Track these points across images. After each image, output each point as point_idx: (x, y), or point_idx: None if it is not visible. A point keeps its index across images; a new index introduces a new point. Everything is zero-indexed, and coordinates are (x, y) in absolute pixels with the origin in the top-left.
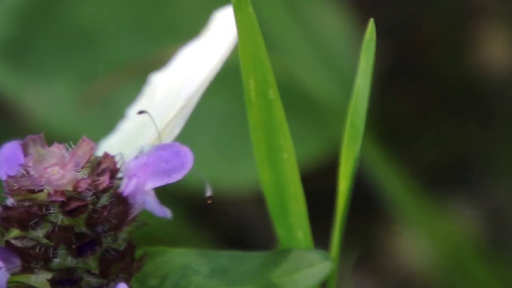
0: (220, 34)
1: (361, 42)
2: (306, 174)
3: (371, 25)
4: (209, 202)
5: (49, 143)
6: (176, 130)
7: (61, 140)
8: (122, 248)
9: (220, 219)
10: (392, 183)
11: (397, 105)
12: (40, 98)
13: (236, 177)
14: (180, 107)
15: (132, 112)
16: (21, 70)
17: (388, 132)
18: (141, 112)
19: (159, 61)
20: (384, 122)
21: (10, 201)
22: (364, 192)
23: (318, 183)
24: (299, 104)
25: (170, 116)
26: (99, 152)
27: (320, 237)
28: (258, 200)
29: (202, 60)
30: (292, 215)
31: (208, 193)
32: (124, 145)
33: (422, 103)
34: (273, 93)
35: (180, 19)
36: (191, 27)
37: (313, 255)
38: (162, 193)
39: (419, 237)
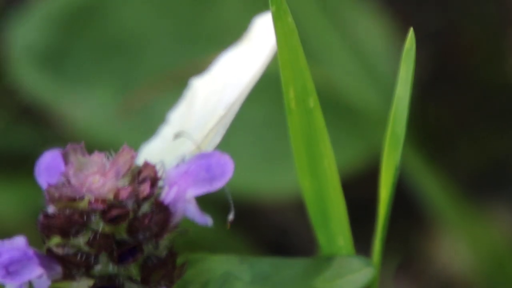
0: (261, 41)
1: (401, 50)
2: (346, 181)
3: (410, 34)
4: (228, 225)
5: (90, 151)
6: (217, 139)
7: (101, 149)
8: (163, 255)
9: (261, 225)
10: (433, 188)
11: (436, 112)
12: (80, 107)
13: (277, 183)
14: (220, 116)
15: (172, 116)
16: (60, 78)
17: (428, 138)
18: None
19: (199, 69)
20: (424, 129)
21: (51, 209)
22: (404, 198)
23: (358, 190)
24: (339, 112)
25: (211, 125)
26: (140, 157)
27: (361, 244)
28: (299, 206)
29: (243, 67)
30: (333, 222)
31: (231, 216)
32: (164, 151)
33: (461, 109)
34: (313, 102)
35: (220, 27)
36: (231, 35)
37: (355, 261)
38: (203, 199)
39: (460, 242)
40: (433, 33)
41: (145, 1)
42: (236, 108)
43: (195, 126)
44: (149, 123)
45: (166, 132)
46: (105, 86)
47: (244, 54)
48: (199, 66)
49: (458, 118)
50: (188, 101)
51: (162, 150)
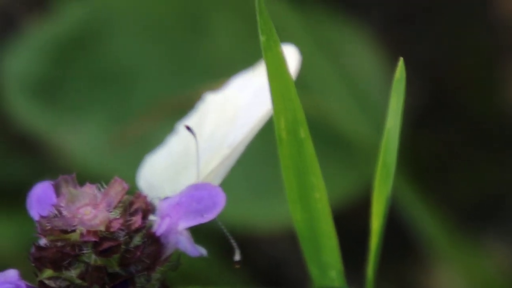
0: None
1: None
2: (338, 212)
3: (400, 64)
4: (237, 266)
5: (82, 183)
6: (217, 181)
7: (94, 180)
8: None
9: (254, 256)
10: (426, 220)
11: (429, 142)
12: (72, 137)
13: (269, 214)
14: (224, 155)
15: (181, 128)
16: (54, 108)
17: (421, 169)
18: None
19: (193, 100)
20: (416, 160)
21: (43, 242)
22: (399, 230)
23: (350, 221)
24: (331, 142)
25: (214, 163)
26: (144, 170)
27: (353, 276)
28: (292, 237)
29: (256, 101)
30: (325, 254)
31: (237, 257)
32: (168, 170)
33: (455, 140)
34: (303, 132)
35: (213, 58)
36: (225, 64)
37: None
38: (195, 231)
39: (454, 274)
40: (426, 62)
41: (139, 32)
42: (241, 148)
43: (201, 150)
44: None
45: (173, 144)
46: (98, 116)
47: (260, 86)
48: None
49: (451, 149)
50: (199, 116)
51: (165, 168)
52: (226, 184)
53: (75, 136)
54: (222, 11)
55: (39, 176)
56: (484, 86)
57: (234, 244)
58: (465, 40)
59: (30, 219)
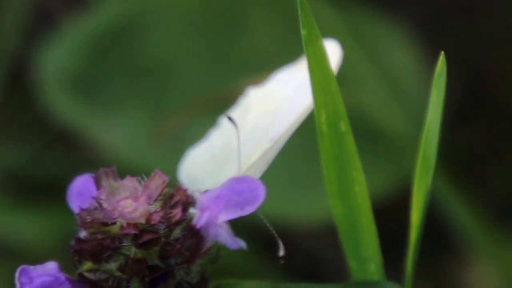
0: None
1: (432, 76)
2: (377, 206)
3: (441, 59)
4: (281, 261)
5: (121, 176)
6: (258, 174)
7: (133, 174)
8: (195, 280)
9: (292, 252)
10: (463, 215)
11: (467, 139)
12: (111, 132)
13: (308, 209)
14: (266, 149)
15: (223, 122)
16: (91, 103)
17: (458, 165)
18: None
19: (232, 95)
20: (454, 155)
21: (83, 234)
22: (435, 225)
23: (389, 216)
24: (370, 137)
25: (255, 157)
26: (185, 162)
27: (392, 270)
28: (330, 233)
29: (299, 95)
30: (364, 248)
31: (281, 252)
32: (209, 164)
33: (492, 137)
34: (344, 126)
35: (252, 52)
36: (263, 59)
37: (386, 287)
38: (233, 226)
39: (491, 269)
40: (463, 60)
41: (175, 27)
42: (282, 142)
43: (243, 145)
44: (180, 148)
45: (215, 137)
46: (136, 111)
47: (302, 81)
48: (231, 91)
49: (488, 146)
50: (241, 110)
51: (207, 161)
52: (265, 177)
53: (113, 130)
54: (260, 5)
55: (77, 171)
56: None
57: (278, 238)
58: (502, 36)
59: (69, 213)
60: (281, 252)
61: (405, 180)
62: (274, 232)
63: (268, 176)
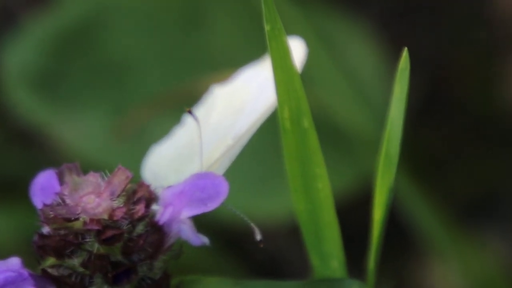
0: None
1: (394, 74)
2: (339, 205)
3: (405, 54)
4: (261, 245)
5: (84, 172)
6: (221, 171)
7: (96, 171)
8: (157, 277)
9: (255, 250)
10: (425, 214)
11: (429, 138)
12: (73, 130)
13: (269, 208)
14: (229, 146)
15: (187, 119)
16: (54, 100)
17: (420, 165)
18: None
19: (194, 92)
20: (416, 155)
21: (46, 230)
22: (396, 224)
23: (351, 215)
24: (333, 136)
25: (218, 153)
26: (149, 159)
27: (355, 268)
28: (291, 232)
29: (263, 92)
30: (326, 244)
31: (258, 236)
32: (173, 161)
33: (454, 136)
34: (307, 122)
35: (214, 49)
36: (225, 56)
37: (349, 283)
38: (196, 223)
39: (452, 268)
40: (425, 59)
41: (137, 24)
42: (246, 139)
43: (206, 142)
44: (142, 145)
45: (179, 134)
46: (99, 108)
47: (266, 78)
48: (194, 88)
49: (450, 145)
50: (206, 107)
51: (171, 159)
52: (229, 175)
53: (76, 127)
54: (221, 2)
55: (39, 169)
56: (483, 82)
57: (251, 223)
58: (464, 36)
59: (32, 209)
60: (258, 236)
61: (368, 179)
62: (246, 218)
63: (231, 174)
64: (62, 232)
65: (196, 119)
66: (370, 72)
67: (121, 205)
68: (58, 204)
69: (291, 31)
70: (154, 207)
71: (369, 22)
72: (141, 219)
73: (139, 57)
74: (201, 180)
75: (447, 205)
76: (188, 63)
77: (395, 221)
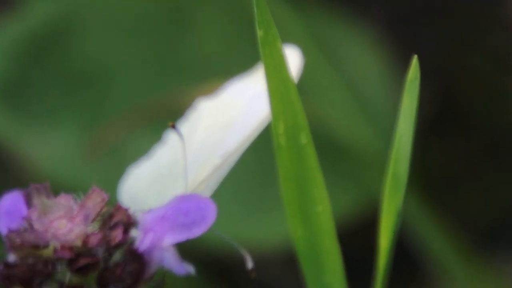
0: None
1: (400, 85)
2: (341, 230)
3: (414, 63)
4: (253, 275)
5: (55, 194)
6: (207, 193)
7: (67, 192)
8: None
9: (244, 281)
10: (436, 240)
11: (440, 155)
12: (41, 146)
13: (262, 233)
14: (216, 165)
15: (169, 137)
16: (21, 114)
17: (430, 184)
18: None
19: (177, 105)
20: (426, 174)
21: (12, 258)
22: (405, 250)
23: (354, 241)
24: (334, 154)
25: (204, 174)
26: (127, 182)
27: None
28: (286, 260)
29: (253, 107)
30: (327, 275)
31: (249, 264)
32: (152, 185)
33: (468, 151)
34: (305, 138)
35: (197, 56)
36: (212, 64)
37: None
38: (180, 251)
39: None
40: (435, 67)
41: (114, 28)
42: (234, 158)
43: (191, 161)
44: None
45: (160, 153)
46: (70, 123)
47: (258, 91)
48: (174, 100)
49: (464, 162)
50: (190, 123)
51: (151, 181)
52: (217, 199)
53: (45, 144)
54: (209, 5)
55: (4, 190)
56: (499, 90)
57: (242, 250)
58: (478, 41)
59: None
60: (250, 264)
61: (372, 202)
62: (236, 245)
63: (219, 197)
64: (30, 260)
65: (180, 135)
66: (375, 82)
67: (96, 231)
68: (26, 230)
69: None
70: (133, 233)
71: (373, 26)
72: (118, 246)
73: (116, 65)
74: (185, 203)
75: (461, 230)
76: (172, 72)
77: (403, 247)
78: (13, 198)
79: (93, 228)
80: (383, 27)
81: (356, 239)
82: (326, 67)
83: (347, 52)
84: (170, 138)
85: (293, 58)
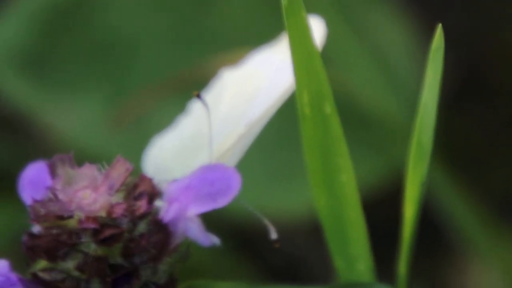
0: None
1: (425, 54)
2: (366, 199)
3: (439, 32)
4: (277, 246)
5: (79, 164)
6: (232, 163)
7: (92, 162)
8: (162, 281)
9: (269, 250)
10: (461, 210)
11: (464, 126)
12: (66, 116)
13: (287, 203)
14: (241, 134)
15: (194, 107)
16: (44, 84)
17: (455, 155)
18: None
19: (201, 75)
20: (450, 144)
21: (36, 229)
22: (429, 222)
23: (379, 210)
24: (358, 122)
25: (229, 143)
26: (151, 152)
27: (384, 270)
28: (312, 229)
29: (278, 77)
30: (352, 245)
31: (273, 235)
32: (177, 155)
33: (492, 123)
34: (329, 107)
35: (223, 27)
36: (235, 35)
37: None
38: (206, 220)
39: (491, 271)
40: (460, 37)
41: None
42: (258, 128)
43: (216, 131)
44: (143, 135)
45: (184, 123)
46: (95, 93)
47: (282, 61)
48: (200, 71)
49: (488, 134)
50: (215, 93)
51: (176, 151)
52: (241, 168)
53: (70, 114)
54: None
55: (28, 159)
56: None
57: (266, 221)
58: (503, 11)
59: (21, 206)
60: (273, 235)
61: (397, 170)
62: (261, 216)
63: (243, 166)
64: (54, 231)
65: (205, 104)
66: (400, 52)
67: (121, 201)
68: (50, 200)
69: (312, 7)
70: (158, 203)
71: None
72: (143, 216)
73: (142, 35)
74: (210, 173)
75: (487, 201)
76: (196, 42)
77: (429, 218)
78: (37, 168)
79: (117, 198)
80: None
81: (381, 208)
82: (351, 37)
83: (373, 22)
84: (195, 108)
85: (317, 28)
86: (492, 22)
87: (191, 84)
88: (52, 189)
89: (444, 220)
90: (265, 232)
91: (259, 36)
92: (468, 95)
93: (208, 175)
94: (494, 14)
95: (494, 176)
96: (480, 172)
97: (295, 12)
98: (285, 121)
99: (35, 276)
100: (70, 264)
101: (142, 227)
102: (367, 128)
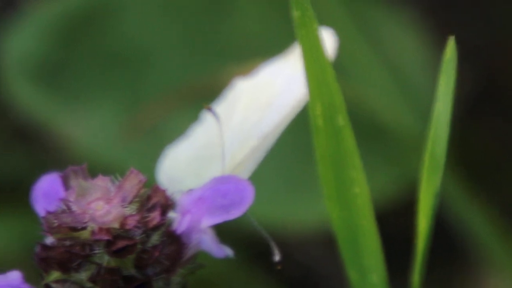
0: None
1: (440, 64)
2: (379, 211)
3: (451, 43)
4: (278, 267)
5: (92, 175)
6: (245, 174)
7: (105, 173)
8: None
9: (285, 262)
10: (476, 221)
11: (480, 137)
12: (80, 126)
13: (300, 214)
14: (254, 146)
15: (207, 117)
16: (59, 94)
17: (470, 165)
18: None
19: (216, 84)
20: (466, 155)
21: (49, 240)
22: (444, 233)
23: (392, 222)
24: (371, 134)
25: (242, 155)
26: (164, 162)
27: (397, 282)
28: (325, 241)
29: (291, 89)
30: (365, 256)
31: (277, 257)
32: (190, 165)
33: (508, 134)
34: (342, 119)
35: (236, 37)
36: (251, 45)
37: None
38: (219, 232)
39: (507, 282)
40: (476, 48)
41: (154, 8)
42: (271, 139)
43: (229, 142)
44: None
45: (197, 133)
46: (108, 103)
47: (295, 71)
48: (215, 80)
49: (504, 144)
50: (227, 104)
51: (189, 161)
52: (255, 179)
53: (83, 124)
54: None
55: (42, 169)
56: None
57: (271, 241)
58: None
59: (34, 217)
60: (277, 257)
61: (410, 182)
62: (266, 235)
63: (257, 178)
64: (67, 242)
65: (216, 116)
66: (414, 63)
67: (134, 213)
68: (63, 212)
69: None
70: (171, 214)
71: (414, 7)
72: (156, 228)
73: (156, 46)
74: (223, 185)
75: (503, 212)
76: (209, 53)
77: (443, 229)
78: (51, 180)
79: (130, 210)
80: (424, 8)
81: (395, 220)
82: (364, 47)
83: (387, 32)
84: (208, 118)
85: (329, 40)
86: (508, 35)
87: (205, 94)
88: (65, 201)
89: (459, 230)
90: (279, 244)
91: (272, 46)
92: (485, 107)
93: (221, 187)
94: (507, 26)
95: (510, 186)
96: (496, 183)
97: (307, 24)
98: (300, 132)
99: (48, 287)
100: (83, 276)
101: (155, 238)
102: (381, 139)
